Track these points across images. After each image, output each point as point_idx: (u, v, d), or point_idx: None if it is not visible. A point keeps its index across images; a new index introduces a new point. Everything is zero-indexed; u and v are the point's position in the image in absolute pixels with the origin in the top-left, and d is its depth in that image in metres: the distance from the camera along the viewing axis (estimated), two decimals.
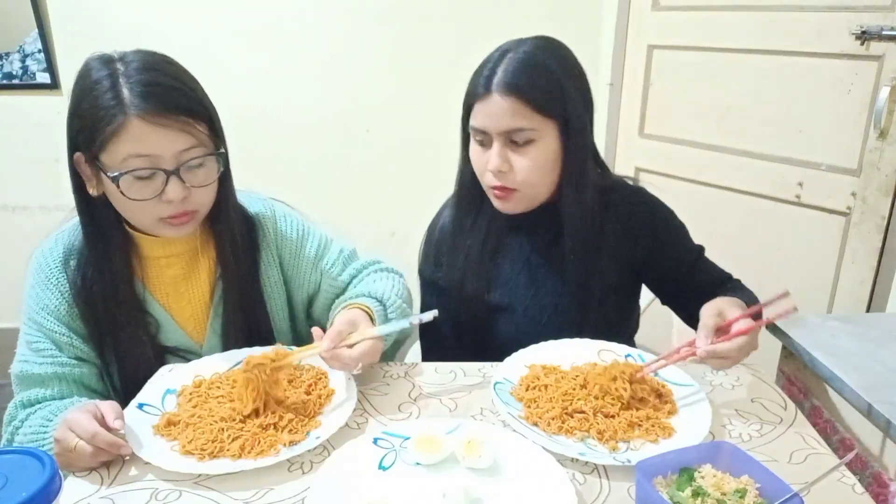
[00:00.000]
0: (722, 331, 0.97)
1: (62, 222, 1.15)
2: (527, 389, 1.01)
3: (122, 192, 0.97)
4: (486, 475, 0.84)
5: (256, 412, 0.94)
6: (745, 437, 0.93)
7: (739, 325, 0.96)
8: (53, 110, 2.46)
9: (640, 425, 0.93)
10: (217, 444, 0.89)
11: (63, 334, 1.06)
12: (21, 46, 2.38)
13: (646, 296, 1.35)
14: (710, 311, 0.99)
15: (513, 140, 1.09)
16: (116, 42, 2.51)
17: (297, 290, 1.22)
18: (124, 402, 0.97)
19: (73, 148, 1.01)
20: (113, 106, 0.94)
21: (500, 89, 1.07)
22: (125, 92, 0.95)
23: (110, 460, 0.88)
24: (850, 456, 0.78)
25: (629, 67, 2.32)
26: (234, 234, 1.13)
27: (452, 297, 1.25)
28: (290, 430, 0.92)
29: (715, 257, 1.27)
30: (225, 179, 1.09)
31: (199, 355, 1.13)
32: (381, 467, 0.86)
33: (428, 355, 1.33)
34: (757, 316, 1.01)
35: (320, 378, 1.05)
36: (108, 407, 0.89)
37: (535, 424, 0.94)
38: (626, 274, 1.24)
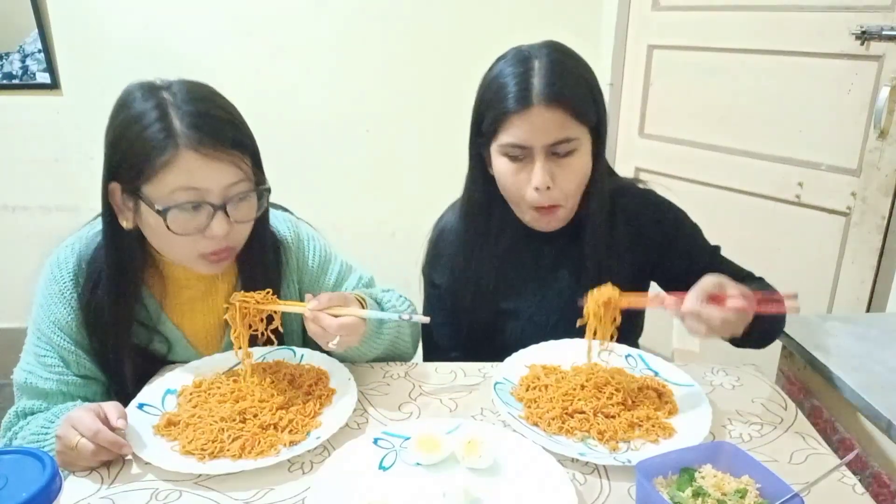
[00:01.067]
0: (714, 300, 0.93)
1: (82, 226, 1.12)
2: (527, 389, 1.01)
3: (167, 226, 0.94)
4: (487, 475, 0.84)
5: (255, 414, 0.94)
6: (745, 438, 0.93)
7: (735, 303, 0.91)
8: (53, 110, 2.46)
9: (640, 425, 0.93)
10: (217, 444, 0.89)
11: (72, 351, 1.05)
12: (21, 46, 2.38)
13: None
14: (712, 279, 0.94)
15: (555, 153, 1.06)
16: (116, 42, 2.49)
17: None
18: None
19: (109, 178, 0.97)
20: (163, 137, 0.91)
21: (544, 100, 1.03)
22: (176, 122, 0.92)
23: (111, 460, 0.88)
24: (851, 456, 0.78)
25: (629, 67, 2.32)
26: (265, 269, 1.10)
27: (459, 301, 1.24)
28: (291, 431, 0.92)
29: None
30: (263, 215, 1.06)
31: None
32: (381, 467, 0.86)
33: (428, 357, 1.33)
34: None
35: (321, 378, 1.05)
36: (112, 406, 0.89)
37: (536, 424, 0.94)
38: (635, 278, 1.23)
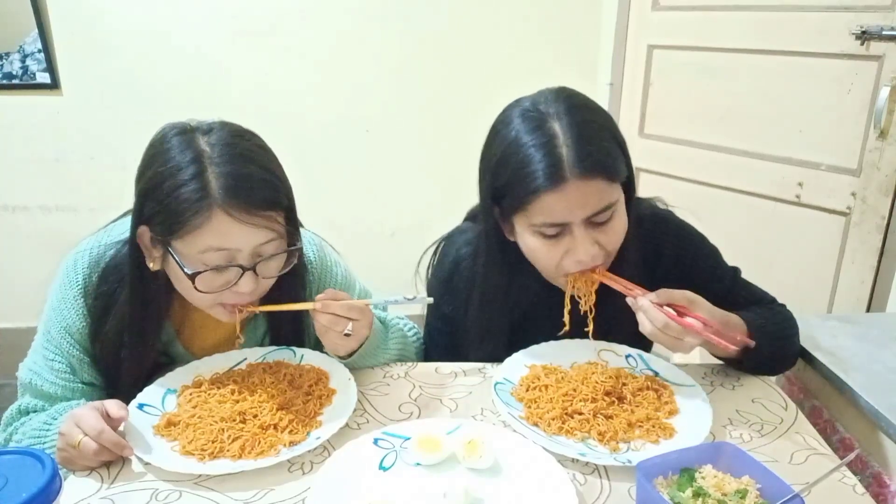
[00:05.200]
0: (678, 310, 0.95)
1: (99, 229, 1.10)
2: (527, 390, 1.01)
3: (195, 287, 0.94)
4: (487, 475, 0.84)
5: (255, 414, 0.94)
6: (745, 438, 0.93)
7: (692, 321, 0.93)
8: (53, 110, 2.46)
9: (640, 426, 0.93)
10: (217, 444, 0.89)
11: (80, 359, 1.04)
12: (21, 46, 2.38)
13: None
14: (688, 294, 0.96)
15: (595, 221, 0.97)
16: (116, 41, 2.47)
17: None
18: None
19: (139, 221, 0.96)
20: (199, 198, 0.89)
21: (579, 173, 0.92)
22: (212, 182, 0.90)
23: (111, 460, 0.88)
24: (851, 456, 0.78)
25: (629, 67, 2.32)
26: (290, 287, 1.07)
27: (466, 336, 1.18)
28: (291, 431, 0.92)
29: None
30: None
31: None
32: (381, 468, 0.86)
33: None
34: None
35: (321, 378, 1.05)
36: (113, 404, 0.89)
37: (536, 425, 0.94)
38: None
